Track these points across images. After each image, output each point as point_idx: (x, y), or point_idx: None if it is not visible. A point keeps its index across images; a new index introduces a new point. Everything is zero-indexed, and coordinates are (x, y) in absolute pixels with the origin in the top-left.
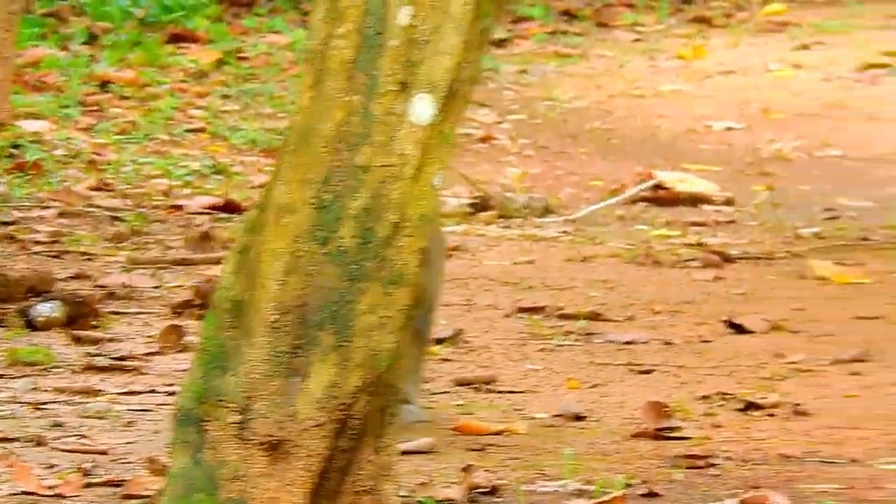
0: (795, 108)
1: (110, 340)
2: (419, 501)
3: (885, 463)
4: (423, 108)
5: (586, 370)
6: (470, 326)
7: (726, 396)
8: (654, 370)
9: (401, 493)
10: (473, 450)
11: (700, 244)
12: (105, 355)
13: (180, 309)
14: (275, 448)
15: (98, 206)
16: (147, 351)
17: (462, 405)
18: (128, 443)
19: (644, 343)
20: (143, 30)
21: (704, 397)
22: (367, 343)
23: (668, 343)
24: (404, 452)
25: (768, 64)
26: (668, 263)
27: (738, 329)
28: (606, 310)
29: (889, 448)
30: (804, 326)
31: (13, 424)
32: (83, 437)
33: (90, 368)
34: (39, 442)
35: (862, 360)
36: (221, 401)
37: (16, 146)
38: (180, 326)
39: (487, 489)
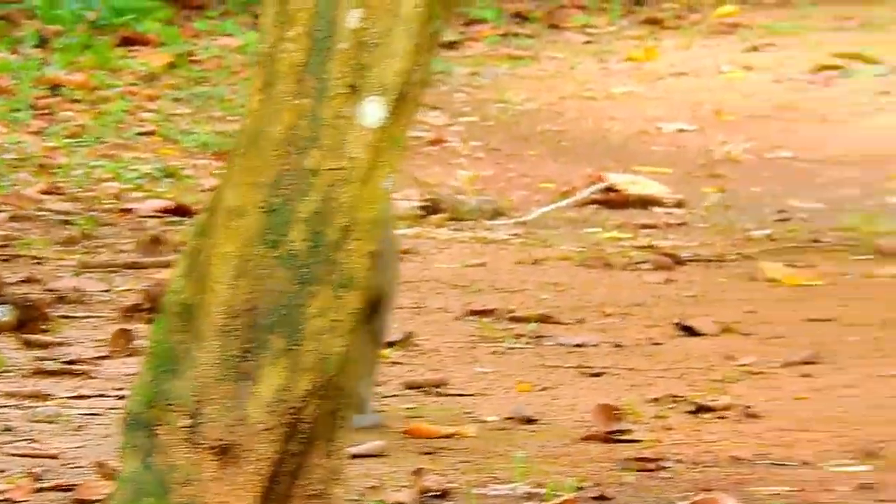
0: (747, 109)
1: (60, 344)
2: None
3: (835, 465)
4: (373, 111)
5: (537, 373)
6: (420, 329)
7: (677, 399)
8: (604, 373)
9: (351, 497)
10: (424, 453)
11: (651, 246)
12: (55, 359)
13: (130, 313)
14: (225, 452)
15: (49, 210)
16: (97, 355)
17: (412, 408)
18: (78, 447)
19: (595, 346)
20: (94, 33)
21: (655, 400)
22: (317, 346)
23: (618, 345)
24: (355, 456)
25: (720, 66)
26: (619, 266)
27: (689, 331)
28: (557, 312)
29: (839, 450)
30: (755, 329)
31: None
32: (33, 441)
33: (40, 372)
34: None
35: (813, 363)
36: (171, 405)
37: None
38: (130, 330)
39: (438, 493)
